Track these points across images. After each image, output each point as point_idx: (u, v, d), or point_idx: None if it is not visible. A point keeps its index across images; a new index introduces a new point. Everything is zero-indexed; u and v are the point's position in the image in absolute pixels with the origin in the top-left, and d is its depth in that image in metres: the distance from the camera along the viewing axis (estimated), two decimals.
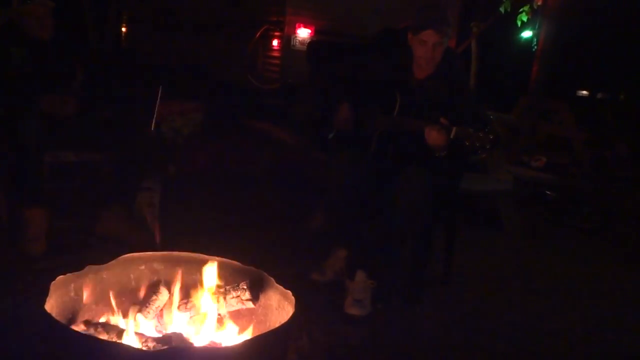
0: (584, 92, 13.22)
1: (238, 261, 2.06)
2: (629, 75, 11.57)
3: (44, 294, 1.70)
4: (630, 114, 9.53)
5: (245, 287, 1.91)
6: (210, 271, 1.96)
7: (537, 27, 7.05)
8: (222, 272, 2.04)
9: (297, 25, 6.65)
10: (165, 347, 1.78)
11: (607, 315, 3.06)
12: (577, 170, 6.37)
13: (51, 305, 1.70)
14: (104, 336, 1.72)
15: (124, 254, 2.01)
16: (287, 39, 6.66)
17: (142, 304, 1.94)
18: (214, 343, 1.86)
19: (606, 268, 3.84)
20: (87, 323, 1.78)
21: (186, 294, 2.00)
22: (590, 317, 3.00)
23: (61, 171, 3.13)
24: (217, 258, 2.07)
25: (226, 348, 1.72)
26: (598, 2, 7.77)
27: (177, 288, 2.00)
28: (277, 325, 1.79)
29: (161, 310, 1.96)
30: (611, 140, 7.34)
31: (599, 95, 13.00)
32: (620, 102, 12.30)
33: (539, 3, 6.80)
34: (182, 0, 8.51)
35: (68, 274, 1.83)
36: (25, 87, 2.87)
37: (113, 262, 1.97)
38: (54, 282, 1.76)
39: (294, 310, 1.79)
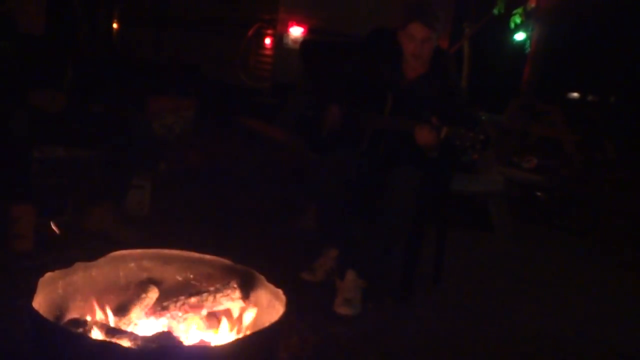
0: (575, 94, 13.30)
1: (228, 259, 2.05)
2: (619, 78, 11.65)
3: (31, 291, 1.68)
4: (620, 116, 9.60)
5: (235, 285, 1.90)
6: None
7: (530, 29, 7.07)
8: (213, 270, 2.03)
9: (289, 23, 6.63)
10: (155, 345, 1.77)
11: (596, 315, 3.07)
12: (568, 171, 6.40)
13: (39, 303, 1.68)
14: (92, 334, 1.71)
15: (114, 251, 2.00)
16: (280, 38, 6.64)
17: (132, 302, 1.93)
18: (204, 342, 1.85)
19: (595, 269, 3.86)
20: (76, 321, 1.76)
21: (176, 292, 1.99)
22: (580, 317, 3.01)
23: (50, 167, 3.11)
24: (207, 256, 2.06)
25: (216, 347, 1.71)
26: (590, 6, 7.80)
27: (166, 286, 1.99)
28: (267, 324, 1.78)
29: (151, 308, 1.95)
30: (601, 142, 7.39)
31: (590, 98, 13.09)
32: (611, 105, 12.38)
33: (532, 5, 6.83)
34: None
35: (56, 271, 1.81)
36: (14, 82, 2.85)
37: (102, 259, 1.96)
38: (42, 279, 1.74)
39: (284, 309, 1.78)
